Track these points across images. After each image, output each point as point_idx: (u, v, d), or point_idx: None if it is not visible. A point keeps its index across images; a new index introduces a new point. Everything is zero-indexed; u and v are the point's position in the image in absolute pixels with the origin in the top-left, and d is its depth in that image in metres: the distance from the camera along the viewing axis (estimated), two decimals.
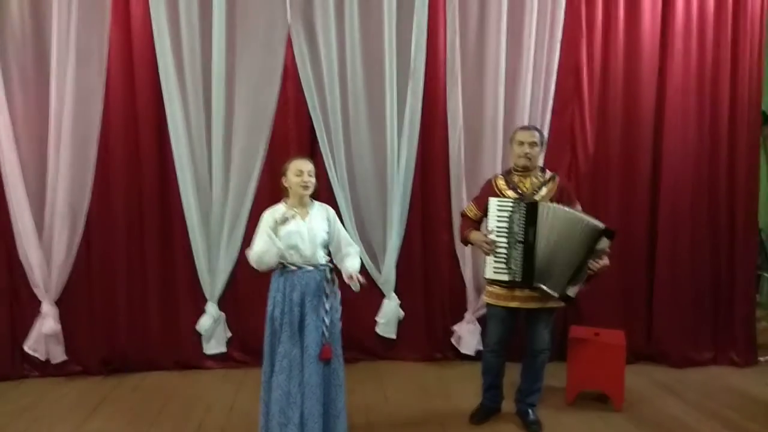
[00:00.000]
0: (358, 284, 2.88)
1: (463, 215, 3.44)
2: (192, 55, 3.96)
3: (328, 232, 2.96)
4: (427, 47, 4.13)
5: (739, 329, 4.32)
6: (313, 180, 2.92)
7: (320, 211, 3.00)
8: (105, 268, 4.07)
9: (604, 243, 3.07)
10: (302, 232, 2.86)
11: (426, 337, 4.40)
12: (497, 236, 3.16)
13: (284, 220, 2.83)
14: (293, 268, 2.88)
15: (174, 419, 3.45)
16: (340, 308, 3.00)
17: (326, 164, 4.14)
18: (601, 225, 3.05)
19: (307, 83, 4.08)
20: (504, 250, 3.15)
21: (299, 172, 2.88)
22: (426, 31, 4.10)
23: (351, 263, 2.97)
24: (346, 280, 2.90)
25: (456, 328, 4.32)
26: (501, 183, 3.29)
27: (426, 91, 4.18)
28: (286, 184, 2.94)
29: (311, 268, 2.89)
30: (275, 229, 2.82)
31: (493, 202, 3.19)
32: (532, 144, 3.20)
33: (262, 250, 2.82)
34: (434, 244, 4.35)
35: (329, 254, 3.02)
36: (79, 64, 3.85)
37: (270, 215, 2.91)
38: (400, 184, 4.19)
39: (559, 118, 4.22)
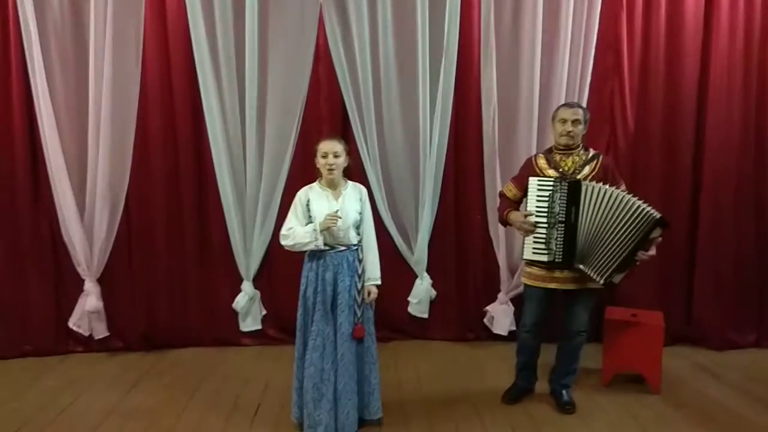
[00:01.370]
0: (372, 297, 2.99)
1: (502, 195, 3.39)
2: (226, 38, 3.98)
3: (360, 213, 2.97)
4: (460, 23, 4.05)
5: None
6: (340, 161, 2.91)
7: (354, 191, 3.00)
8: (144, 248, 4.18)
9: (656, 232, 2.99)
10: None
11: (458, 317, 4.39)
12: (537, 216, 3.10)
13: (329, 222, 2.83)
14: (326, 248, 2.89)
15: (211, 394, 3.54)
16: None
17: (358, 144, 4.13)
18: (657, 214, 2.95)
19: (339, 63, 4.07)
20: (544, 231, 3.09)
21: (324, 154, 2.89)
22: (459, 7, 4.02)
23: (373, 272, 2.99)
24: (369, 290, 2.97)
25: (489, 308, 4.30)
26: (542, 162, 3.22)
27: (459, 68, 4.12)
28: (317, 165, 2.95)
29: (343, 248, 2.91)
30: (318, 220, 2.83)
31: (533, 182, 3.13)
32: (575, 122, 3.12)
33: (303, 241, 2.84)
34: (467, 223, 4.31)
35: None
36: (116, 50, 3.92)
37: (304, 195, 2.94)
38: (432, 163, 4.16)
39: (598, 95, 4.12)
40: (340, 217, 2.84)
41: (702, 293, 4.19)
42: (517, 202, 3.30)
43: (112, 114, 3.96)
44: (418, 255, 4.26)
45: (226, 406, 3.38)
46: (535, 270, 3.21)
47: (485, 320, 4.32)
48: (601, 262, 3.03)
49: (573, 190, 3.03)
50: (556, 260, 3.09)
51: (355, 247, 2.95)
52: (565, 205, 3.04)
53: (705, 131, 4.11)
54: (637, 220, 2.97)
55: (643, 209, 2.96)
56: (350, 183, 3.03)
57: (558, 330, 3.35)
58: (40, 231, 4.09)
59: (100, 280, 4.14)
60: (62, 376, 3.83)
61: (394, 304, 4.27)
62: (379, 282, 3.02)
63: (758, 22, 4.05)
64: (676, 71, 4.10)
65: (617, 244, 2.99)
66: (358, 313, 2.90)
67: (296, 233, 2.87)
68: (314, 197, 2.92)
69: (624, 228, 2.98)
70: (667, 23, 4.08)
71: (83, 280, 4.10)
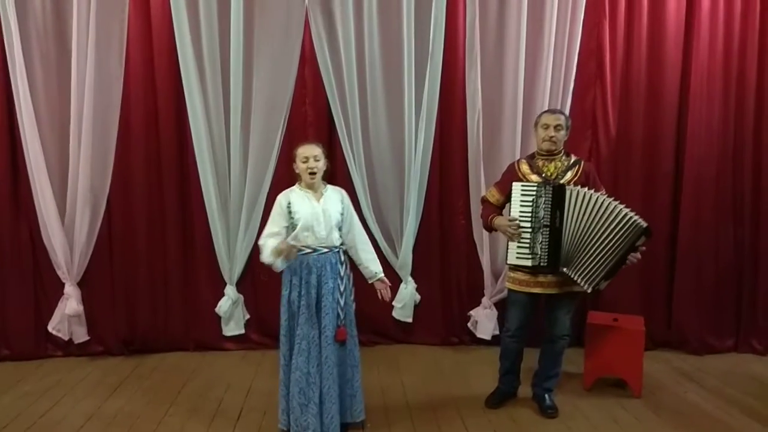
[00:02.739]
0: (389, 291, 3.08)
1: (484, 201, 3.40)
2: (210, 41, 3.97)
3: (342, 214, 2.97)
4: (446, 29, 4.08)
5: (762, 316, 4.26)
6: (321, 164, 2.92)
7: (335, 193, 3.01)
8: (126, 251, 4.14)
9: (641, 241, 3.02)
10: (317, 213, 2.88)
11: (442, 322, 4.40)
12: (521, 221, 3.12)
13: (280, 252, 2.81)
14: (308, 250, 2.89)
15: (193, 399, 3.51)
16: (353, 289, 3.02)
17: (344, 149, 4.13)
18: (644, 223, 2.98)
19: (325, 67, 4.07)
20: (528, 235, 3.11)
21: (305, 158, 2.89)
22: (445, 12, 4.05)
23: (375, 266, 3.06)
24: (379, 287, 3.05)
25: (473, 312, 4.31)
26: (524, 167, 3.25)
27: (444, 74, 4.14)
28: (296, 170, 2.95)
29: (326, 250, 2.91)
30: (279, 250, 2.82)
31: (517, 187, 3.14)
32: (557, 127, 3.15)
33: (265, 260, 2.85)
34: (451, 228, 4.33)
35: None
36: (99, 50, 3.89)
37: (284, 198, 2.93)
38: (417, 168, 4.17)
39: (580, 101, 4.16)
40: (298, 248, 2.82)
41: (682, 299, 4.25)
42: (500, 207, 3.32)
43: (94, 116, 3.92)
44: (403, 259, 4.27)
45: (208, 411, 3.35)
46: (519, 275, 3.23)
47: (469, 324, 4.34)
48: (588, 270, 3.05)
49: (557, 194, 3.06)
50: (542, 264, 3.11)
51: (337, 249, 2.95)
52: (549, 210, 3.07)
53: (685, 138, 4.18)
54: (624, 229, 2.99)
55: (631, 218, 2.98)
56: (330, 186, 3.04)
57: (541, 334, 3.37)
58: (19, 234, 4.04)
59: (81, 284, 4.09)
60: (41, 380, 3.77)
61: (378, 308, 4.26)
62: (382, 275, 3.07)
63: (737, 31, 4.12)
64: (657, 79, 4.17)
65: (604, 251, 3.01)
66: (341, 316, 2.90)
67: (266, 246, 2.85)
68: (295, 199, 2.91)
69: (611, 236, 3.00)
70: (649, 32, 4.14)
71: (63, 284, 4.05)
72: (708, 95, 4.13)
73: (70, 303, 4.01)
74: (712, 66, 4.11)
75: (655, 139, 4.21)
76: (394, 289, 4.29)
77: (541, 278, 3.17)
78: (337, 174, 4.19)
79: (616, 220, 2.99)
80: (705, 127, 4.14)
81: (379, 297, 3.10)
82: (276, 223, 2.91)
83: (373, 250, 3.12)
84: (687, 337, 4.25)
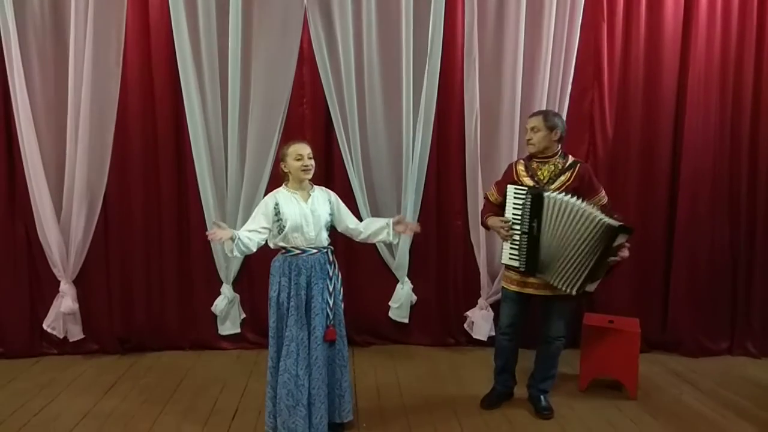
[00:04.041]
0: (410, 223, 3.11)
1: (486, 198, 3.45)
2: (209, 39, 3.96)
3: (331, 214, 2.97)
4: (444, 30, 4.08)
5: (756, 319, 4.28)
6: (313, 162, 2.91)
7: (322, 193, 3.00)
8: (122, 249, 4.13)
9: (621, 239, 3.01)
10: (306, 214, 2.86)
11: (439, 322, 4.41)
12: (514, 223, 3.14)
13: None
14: (297, 251, 2.88)
15: (188, 399, 3.50)
16: (342, 289, 3.02)
17: (341, 149, 4.13)
18: (615, 223, 2.95)
19: (323, 67, 4.06)
20: (518, 237, 3.13)
21: (299, 156, 2.86)
22: (443, 13, 4.05)
23: (382, 221, 3.07)
24: (400, 230, 3.04)
25: (469, 313, 4.32)
26: (521, 169, 3.25)
27: (442, 75, 4.14)
28: (285, 169, 2.92)
29: (315, 251, 2.89)
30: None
31: (510, 189, 3.16)
32: (534, 129, 3.15)
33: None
34: (448, 229, 4.33)
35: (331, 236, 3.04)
36: (96, 49, 3.87)
37: (272, 199, 2.90)
38: (414, 168, 4.17)
39: (578, 104, 4.17)
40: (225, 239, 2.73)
41: (677, 301, 4.25)
42: (499, 206, 3.33)
43: (91, 113, 3.91)
44: (400, 260, 4.26)
45: (203, 410, 3.34)
46: (512, 274, 3.25)
47: (465, 325, 4.34)
48: (568, 274, 3.05)
49: (535, 203, 3.06)
50: (520, 268, 3.14)
51: (326, 250, 2.94)
52: (528, 217, 3.08)
53: (682, 140, 4.18)
54: (594, 232, 2.96)
55: (600, 220, 2.95)
56: (317, 187, 3.02)
57: (536, 336, 3.37)
58: (15, 231, 4.03)
59: (76, 282, 4.07)
60: (36, 378, 3.76)
61: (374, 308, 4.28)
62: (392, 219, 3.06)
63: (735, 33, 4.13)
64: (654, 81, 4.18)
65: (582, 255, 3.01)
66: (330, 316, 2.89)
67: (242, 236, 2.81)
68: (283, 200, 2.88)
69: (585, 240, 2.98)
70: (647, 34, 4.15)
71: (59, 281, 4.04)
72: (705, 97, 4.14)
73: (66, 301, 4.00)
74: (709, 68, 4.12)
75: (652, 142, 4.22)
76: (391, 290, 4.32)
77: (531, 279, 3.19)
78: (334, 174, 4.19)
79: (587, 224, 2.97)
80: (702, 130, 4.15)
81: (410, 234, 3.17)
82: (255, 221, 2.87)
83: (370, 218, 3.22)
84: (682, 339, 4.26)
